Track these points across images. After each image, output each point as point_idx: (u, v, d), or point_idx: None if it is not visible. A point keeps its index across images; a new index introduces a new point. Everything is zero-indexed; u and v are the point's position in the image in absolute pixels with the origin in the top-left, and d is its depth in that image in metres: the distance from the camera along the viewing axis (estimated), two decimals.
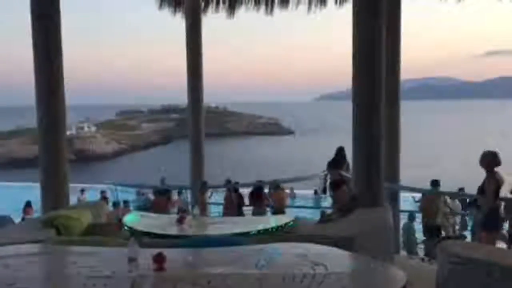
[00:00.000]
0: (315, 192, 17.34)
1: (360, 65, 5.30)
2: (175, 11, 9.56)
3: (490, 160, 5.76)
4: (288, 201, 10.26)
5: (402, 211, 9.21)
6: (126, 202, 11.03)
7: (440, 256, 3.46)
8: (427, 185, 8.70)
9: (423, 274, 4.36)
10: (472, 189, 7.13)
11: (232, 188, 9.96)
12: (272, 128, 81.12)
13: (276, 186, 10.15)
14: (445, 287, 3.30)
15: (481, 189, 5.90)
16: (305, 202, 16.51)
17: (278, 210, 9.35)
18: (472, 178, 7.55)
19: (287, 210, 10.17)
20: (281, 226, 4.56)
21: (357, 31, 5.26)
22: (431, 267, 6.03)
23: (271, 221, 4.94)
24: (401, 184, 7.98)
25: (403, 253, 8.39)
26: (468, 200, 10.15)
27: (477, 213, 6.50)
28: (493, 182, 5.73)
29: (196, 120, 9.58)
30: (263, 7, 8.98)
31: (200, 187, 9.75)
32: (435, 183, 8.58)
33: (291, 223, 4.67)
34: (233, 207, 9.61)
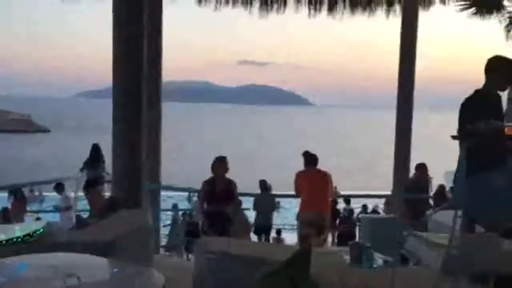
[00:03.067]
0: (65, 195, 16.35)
1: (121, 64, 5.15)
2: None
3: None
4: None
5: (163, 210, 9.35)
6: None
7: (197, 252, 3.57)
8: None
9: (182, 271, 4.44)
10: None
11: None
12: (25, 126, 73.47)
13: None
14: (201, 281, 3.40)
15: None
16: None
17: None
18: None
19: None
20: (28, 234, 4.04)
21: (118, 30, 5.10)
22: (189, 263, 6.24)
23: (17, 229, 4.35)
24: (162, 183, 8.07)
25: (162, 252, 8.51)
26: None
27: None
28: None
29: None
30: None
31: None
32: None
33: (42, 229, 4.19)
34: None
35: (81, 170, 8.54)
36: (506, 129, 3.72)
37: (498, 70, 3.96)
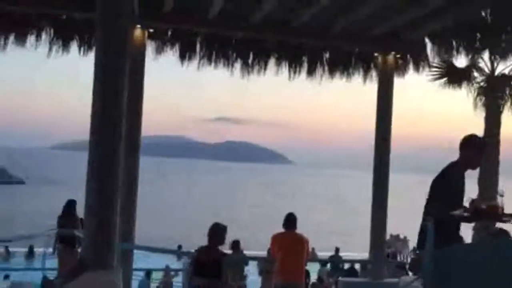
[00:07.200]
0: (30, 251, 15.80)
1: (99, 118, 5.13)
2: None
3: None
4: None
5: (136, 269, 9.05)
6: None
7: None
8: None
9: None
10: None
11: None
12: None
13: None
14: None
15: None
16: (26, 264, 14.79)
17: None
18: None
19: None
20: None
21: (98, 83, 5.12)
22: None
23: None
24: (136, 243, 7.83)
25: None
26: None
27: None
28: None
29: None
30: None
31: None
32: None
33: None
34: None
35: (57, 226, 8.24)
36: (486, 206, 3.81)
37: (472, 149, 4.04)
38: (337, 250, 16.12)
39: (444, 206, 3.73)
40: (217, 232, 5.42)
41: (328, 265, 14.63)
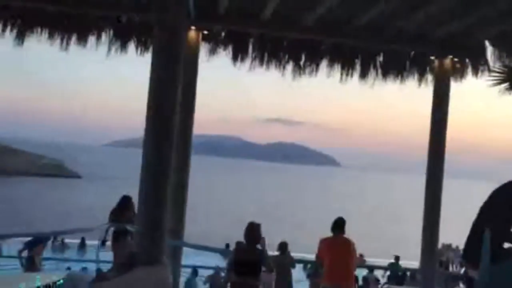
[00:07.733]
0: (82, 243, 16.41)
1: (154, 119, 5.27)
2: None
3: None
4: None
5: (185, 266, 9.21)
6: None
7: None
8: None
9: None
10: None
11: None
12: (56, 171, 75.16)
13: None
14: None
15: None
16: (78, 256, 15.41)
17: None
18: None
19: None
20: (48, 285, 4.04)
21: (153, 83, 5.27)
22: None
23: (37, 278, 4.35)
24: (184, 241, 7.98)
25: None
26: None
27: None
28: None
29: None
30: (58, 41, 8.33)
31: None
32: None
33: (62, 281, 4.19)
34: None
35: (109, 221, 8.52)
36: None
37: None
38: (397, 258, 15.73)
39: (502, 220, 3.57)
40: (253, 230, 5.49)
41: (388, 272, 14.43)
